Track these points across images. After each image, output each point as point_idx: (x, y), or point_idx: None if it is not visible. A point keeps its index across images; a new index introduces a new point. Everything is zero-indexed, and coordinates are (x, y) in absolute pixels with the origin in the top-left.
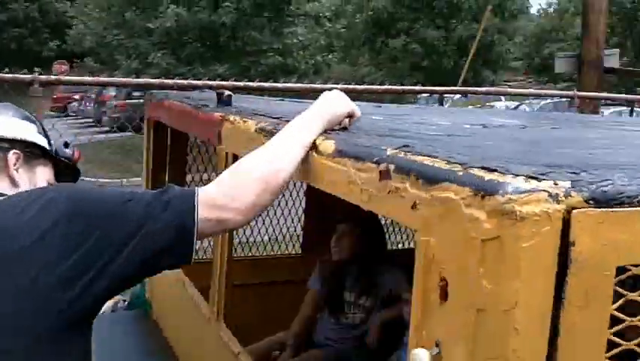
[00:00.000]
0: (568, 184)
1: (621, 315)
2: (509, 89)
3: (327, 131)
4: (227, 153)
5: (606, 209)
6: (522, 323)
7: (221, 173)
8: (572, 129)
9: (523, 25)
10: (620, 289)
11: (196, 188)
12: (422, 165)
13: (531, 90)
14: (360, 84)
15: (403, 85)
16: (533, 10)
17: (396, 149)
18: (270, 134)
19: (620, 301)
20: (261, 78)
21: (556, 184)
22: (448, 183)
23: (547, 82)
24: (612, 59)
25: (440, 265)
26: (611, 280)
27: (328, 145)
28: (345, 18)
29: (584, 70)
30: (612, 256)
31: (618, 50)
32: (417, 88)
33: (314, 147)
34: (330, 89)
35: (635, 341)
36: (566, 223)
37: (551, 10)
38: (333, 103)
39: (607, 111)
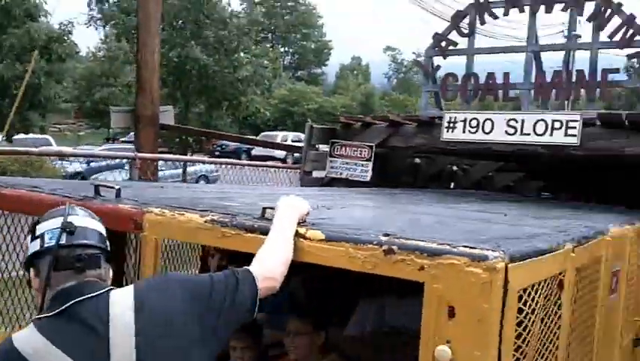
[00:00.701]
0: (503, 252)
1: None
2: (68, 150)
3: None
4: (156, 239)
5: (517, 263)
6: (496, 324)
7: (143, 253)
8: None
9: (72, 68)
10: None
11: (248, 268)
12: (420, 245)
13: (94, 151)
14: None
15: None
16: (82, 53)
17: (385, 235)
18: (221, 223)
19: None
20: None
21: (500, 252)
22: (449, 255)
23: (100, 127)
24: (167, 116)
25: (447, 299)
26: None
27: (317, 234)
28: None
29: (141, 126)
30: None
31: (172, 107)
32: None
33: (300, 235)
34: None
35: None
36: (507, 271)
37: (101, 54)
38: (299, 205)
39: (166, 172)
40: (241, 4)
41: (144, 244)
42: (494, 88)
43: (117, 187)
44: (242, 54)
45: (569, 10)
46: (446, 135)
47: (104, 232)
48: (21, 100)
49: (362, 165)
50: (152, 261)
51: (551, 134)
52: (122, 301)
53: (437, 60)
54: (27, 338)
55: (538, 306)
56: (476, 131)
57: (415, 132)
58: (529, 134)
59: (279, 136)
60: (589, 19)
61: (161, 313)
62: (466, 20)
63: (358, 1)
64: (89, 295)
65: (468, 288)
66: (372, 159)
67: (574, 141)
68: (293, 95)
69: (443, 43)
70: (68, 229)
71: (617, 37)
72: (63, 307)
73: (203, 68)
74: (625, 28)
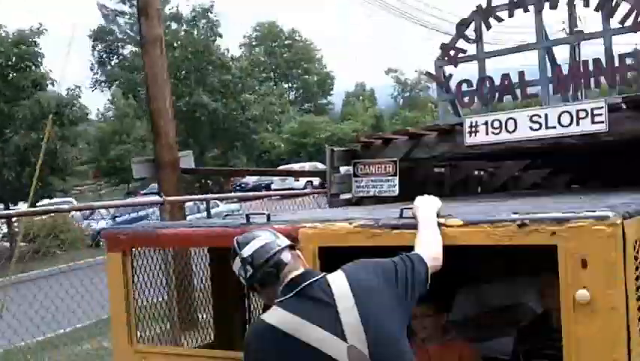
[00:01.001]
0: (618, 213)
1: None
2: (97, 203)
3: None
4: (312, 248)
5: (629, 220)
6: (621, 267)
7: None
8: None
9: (84, 131)
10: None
11: (417, 253)
12: (550, 216)
13: (124, 201)
14: None
15: None
16: (92, 116)
17: (514, 213)
18: (370, 226)
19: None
20: None
21: (616, 213)
22: (577, 219)
23: (119, 183)
24: (187, 160)
25: (580, 252)
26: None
27: (456, 221)
28: None
29: (163, 172)
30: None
31: (191, 151)
32: None
33: (441, 224)
34: None
35: None
36: (623, 226)
37: (110, 114)
38: (433, 202)
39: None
40: (240, 48)
41: (304, 252)
42: (511, 88)
43: (267, 213)
44: (248, 95)
45: (569, 8)
46: (469, 140)
47: (271, 237)
48: (41, 166)
49: (388, 181)
50: (312, 263)
51: (578, 124)
52: (338, 280)
53: (448, 70)
54: (276, 315)
55: None
56: (499, 131)
57: (437, 141)
58: (554, 127)
59: (296, 167)
60: (597, 9)
61: (366, 286)
62: (471, 28)
63: (353, 29)
64: (312, 280)
65: (596, 242)
66: (397, 173)
67: (602, 127)
68: (302, 127)
69: (452, 53)
70: (247, 262)
71: (629, 23)
72: (297, 290)
73: (212, 113)
74: (635, 12)
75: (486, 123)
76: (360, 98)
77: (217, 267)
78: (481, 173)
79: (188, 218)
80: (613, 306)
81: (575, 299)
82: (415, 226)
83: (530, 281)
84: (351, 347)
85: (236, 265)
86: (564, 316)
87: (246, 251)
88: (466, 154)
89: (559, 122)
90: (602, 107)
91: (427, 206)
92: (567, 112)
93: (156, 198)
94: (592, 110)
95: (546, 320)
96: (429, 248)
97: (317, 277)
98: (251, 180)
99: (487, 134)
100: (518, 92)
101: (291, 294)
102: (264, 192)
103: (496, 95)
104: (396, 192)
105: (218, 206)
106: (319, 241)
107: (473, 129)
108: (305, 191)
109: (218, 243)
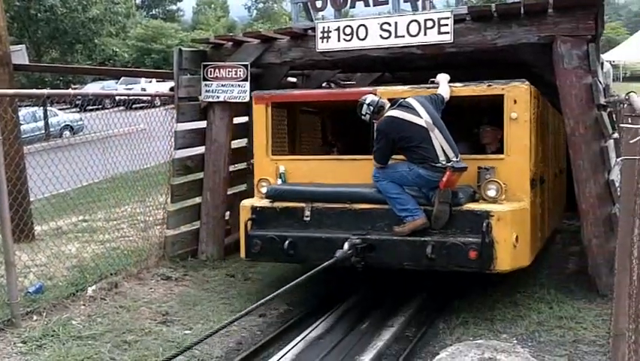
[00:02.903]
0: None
1: None
2: None
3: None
4: (386, 98)
5: (532, 87)
6: (529, 105)
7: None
8: None
9: None
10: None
11: (440, 92)
12: (502, 80)
13: None
14: None
15: None
16: None
17: (484, 81)
18: (413, 88)
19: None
20: None
21: (527, 82)
22: (513, 83)
23: None
24: (20, 55)
25: (513, 98)
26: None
27: (458, 84)
28: None
29: None
30: None
31: (24, 45)
32: None
33: (450, 86)
34: None
35: None
36: (531, 88)
37: None
38: (446, 75)
39: (23, 110)
40: None
41: (381, 98)
42: None
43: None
44: None
45: None
46: (321, 46)
47: (374, 96)
48: None
49: (239, 86)
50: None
51: (425, 34)
52: (412, 99)
53: None
54: (391, 112)
55: (538, 104)
56: (351, 38)
57: (290, 46)
58: (403, 37)
59: (143, 80)
60: None
61: (424, 102)
62: None
63: None
64: (400, 100)
65: (521, 93)
66: (249, 78)
67: (447, 38)
68: (150, 32)
69: None
70: (369, 105)
71: None
72: (397, 104)
73: (49, 10)
74: None
75: (338, 29)
76: (212, 6)
77: (280, 118)
78: (332, 85)
79: (23, 128)
80: (525, 120)
81: (510, 117)
82: (437, 87)
83: (463, 144)
84: (427, 121)
85: (364, 109)
86: (505, 126)
87: (367, 100)
88: (319, 62)
89: (407, 31)
90: (448, 18)
91: (443, 76)
92: (415, 21)
93: None
94: (439, 20)
95: (484, 151)
96: (446, 90)
97: (401, 100)
98: (92, 90)
99: (338, 40)
100: None
101: (395, 106)
102: (106, 91)
103: (349, 0)
104: (247, 98)
105: (57, 115)
106: (389, 95)
107: (325, 35)
108: (150, 93)
109: (329, 98)
